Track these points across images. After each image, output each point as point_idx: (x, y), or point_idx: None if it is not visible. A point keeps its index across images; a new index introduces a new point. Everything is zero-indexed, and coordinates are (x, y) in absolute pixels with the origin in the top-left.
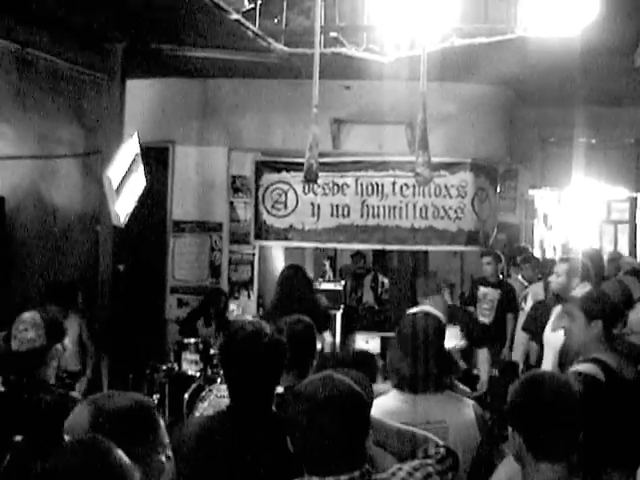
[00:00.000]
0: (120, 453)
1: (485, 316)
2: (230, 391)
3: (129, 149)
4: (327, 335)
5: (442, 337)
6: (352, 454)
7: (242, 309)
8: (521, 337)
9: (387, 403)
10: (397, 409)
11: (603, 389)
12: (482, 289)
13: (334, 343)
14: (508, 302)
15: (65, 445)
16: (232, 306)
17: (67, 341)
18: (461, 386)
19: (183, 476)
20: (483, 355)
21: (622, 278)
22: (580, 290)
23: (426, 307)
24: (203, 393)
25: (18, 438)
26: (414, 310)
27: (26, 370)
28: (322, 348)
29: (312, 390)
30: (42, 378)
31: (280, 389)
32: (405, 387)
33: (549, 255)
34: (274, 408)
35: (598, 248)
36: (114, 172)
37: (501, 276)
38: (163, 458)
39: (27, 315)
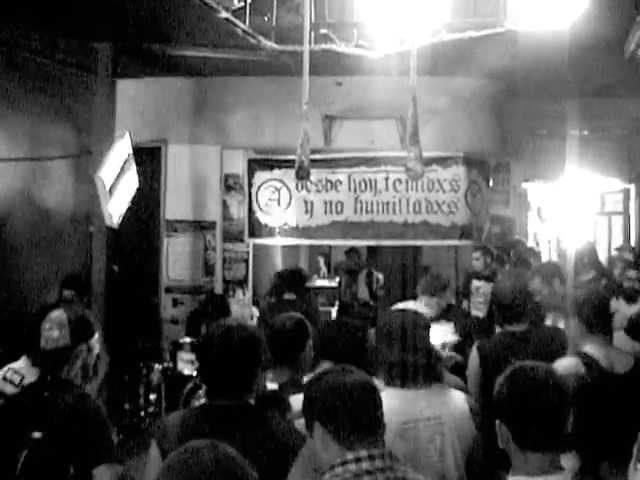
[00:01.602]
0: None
1: (479, 309)
2: (205, 385)
3: (121, 149)
4: None
5: (423, 328)
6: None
7: (241, 305)
8: None
9: (390, 400)
10: (396, 407)
11: (585, 384)
12: (475, 282)
13: None
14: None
15: (191, 445)
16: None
17: (94, 341)
18: (452, 377)
19: None
20: (474, 352)
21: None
22: (585, 277)
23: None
24: (199, 392)
25: (37, 435)
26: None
27: (50, 369)
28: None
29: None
30: (66, 377)
31: (274, 385)
32: (395, 382)
33: (544, 248)
34: (252, 402)
35: (592, 241)
36: (106, 172)
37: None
38: None
39: (55, 314)
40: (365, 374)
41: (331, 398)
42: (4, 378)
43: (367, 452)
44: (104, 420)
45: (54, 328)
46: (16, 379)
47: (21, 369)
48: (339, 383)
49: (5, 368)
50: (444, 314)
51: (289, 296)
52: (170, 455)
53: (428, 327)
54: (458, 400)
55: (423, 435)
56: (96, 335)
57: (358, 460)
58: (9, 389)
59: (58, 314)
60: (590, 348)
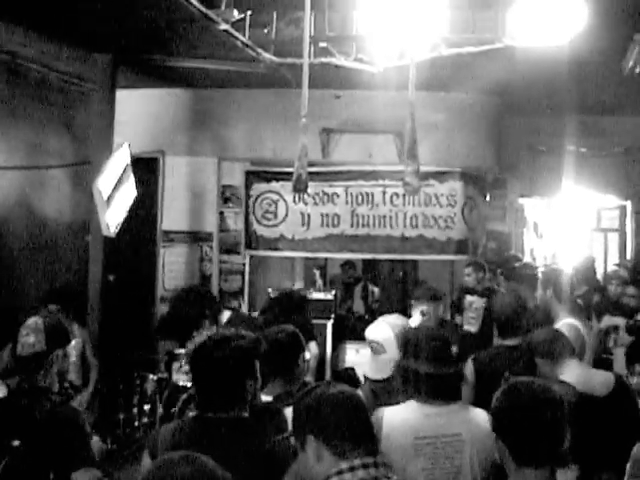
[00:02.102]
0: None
1: (471, 324)
2: (198, 397)
3: (119, 159)
4: (313, 345)
5: (449, 345)
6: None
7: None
8: None
9: (405, 416)
10: (415, 422)
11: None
12: (468, 298)
13: (321, 353)
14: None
15: (168, 458)
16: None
17: (71, 348)
18: None
19: None
20: (469, 365)
21: None
22: (578, 292)
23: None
24: (194, 403)
25: (16, 443)
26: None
27: (26, 375)
28: (308, 359)
29: None
30: (43, 384)
31: (269, 398)
32: (417, 397)
33: (540, 263)
34: (246, 414)
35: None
36: (104, 182)
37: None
38: None
39: (31, 320)
40: (349, 387)
41: (323, 409)
42: None
43: (361, 461)
44: (81, 425)
45: (30, 334)
46: None
47: None
48: (329, 395)
49: None
50: (439, 327)
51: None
52: (147, 468)
53: (451, 345)
54: (480, 419)
55: (441, 452)
56: (73, 342)
57: (352, 469)
58: None
59: (34, 320)
60: (566, 376)
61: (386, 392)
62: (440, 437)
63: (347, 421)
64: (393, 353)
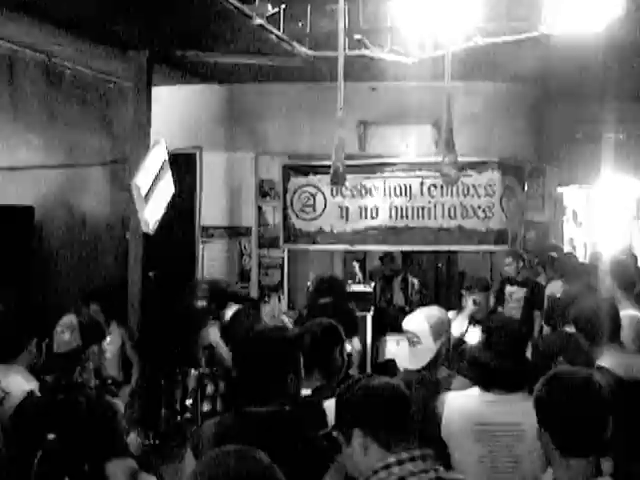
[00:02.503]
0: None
1: (512, 315)
2: (240, 390)
3: (156, 156)
4: (355, 341)
5: (522, 336)
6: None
7: (275, 312)
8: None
9: (467, 402)
10: (476, 409)
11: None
12: (509, 288)
13: (363, 349)
14: (535, 300)
15: (222, 452)
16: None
17: (106, 344)
18: None
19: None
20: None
21: None
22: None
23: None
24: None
25: (51, 436)
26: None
27: (62, 371)
28: (350, 353)
29: None
30: (79, 380)
31: (307, 391)
32: (488, 386)
33: (580, 253)
34: (287, 408)
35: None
36: (142, 179)
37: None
38: None
39: (65, 318)
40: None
41: (370, 402)
42: None
43: (408, 454)
44: (115, 418)
45: (65, 331)
46: None
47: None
48: (374, 387)
49: None
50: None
51: (324, 300)
52: (199, 461)
53: (524, 336)
54: None
55: (501, 440)
56: (108, 338)
57: (400, 462)
58: None
59: (69, 318)
60: (603, 361)
61: (418, 383)
62: (501, 425)
63: (393, 413)
64: (428, 344)
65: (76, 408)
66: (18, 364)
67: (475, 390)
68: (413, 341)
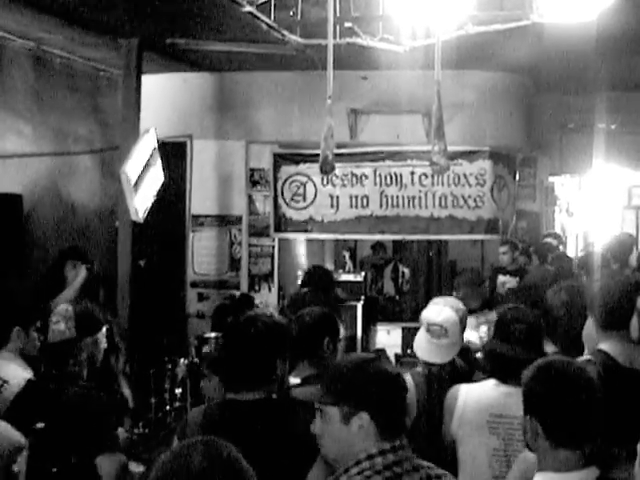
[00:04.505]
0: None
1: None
2: (227, 376)
3: (146, 144)
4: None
5: (538, 327)
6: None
7: (265, 302)
8: None
9: (483, 394)
10: (492, 400)
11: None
12: (501, 277)
13: (352, 335)
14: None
15: (186, 444)
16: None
17: (101, 335)
18: None
19: None
20: None
21: None
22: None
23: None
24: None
25: (40, 425)
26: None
27: (56, 361)
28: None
29: None
30: (72, 371)
31: (297, 380)
32: (505, 377)
33: (571, 242)
34: (274, 396)
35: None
36: (131, 167)
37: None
38: None
39: (61, 307)
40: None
41: (386, 388)
42: None
43: (390, 443)
44: (107, 411)
45: (60, 321)
46: None
47: None
48: (389, 375)
49: None
50: (484, 305)
51: (304, 290)
52: (160, 457)
53: (540, 327)
54: None
55: (516, 433)
56: (103, 329)
57: (383, 452)
58: None
59: (64, 307)
60: (605, 345)
61: (438, 378)
62: (517, 417)
63: (402, 403)
64: (455, 338)
65: (68, 399)
66: (7, 352)
67: (491, 382)
68: (438, 333)
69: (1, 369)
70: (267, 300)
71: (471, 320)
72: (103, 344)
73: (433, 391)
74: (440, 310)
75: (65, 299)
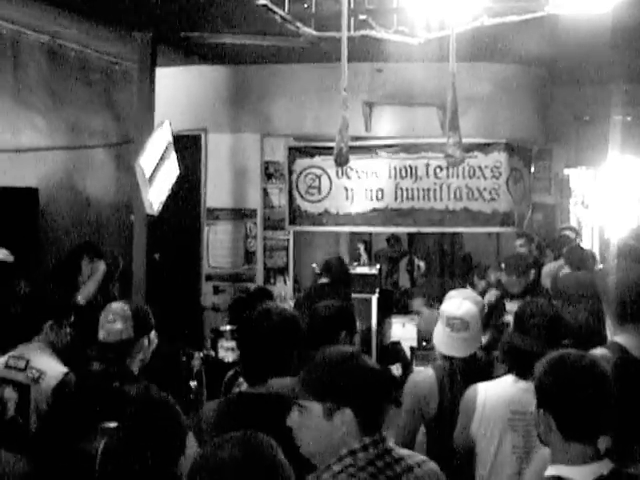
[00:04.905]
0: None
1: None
2: (244, 369)
3: (161, 137)
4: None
5: (559, 322)
6: None
7: (283, 295)
8: None
9: (503, 390)
10: (512, 396)
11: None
12: None
13: (367, 328)
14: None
15: (225, 437)
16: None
17: (153, 335)
18: None
19: None
20: None
21: None
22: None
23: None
24: (240, 380)
25: (111, 424)
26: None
27: (112, 361)
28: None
29: None
30: (130, 370)
31: None
32: (523, 373)
33: (587, 235)
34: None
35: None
36: (146, 161)
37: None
38: None
39: (116, 306)
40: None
41: (368, 383)
42: (7, 366)
43: (370, 438)
44: (176, 411)
45: (117, 320)
46: (21, 364)
47: (23, 354)
48: (371, 369)
49: (4, 357)
50: (529, 291)
51: (324, 280)
52: (199, 451)
53: (561, 321)
54: None
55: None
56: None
57: (365, 448)
58: (17, 376)
59: (120, 306)
60: (620, 338)
61: (461, 371)
62: (529, 413)
63: (382, 398)
64: (476, 331)
65: (134, 397)
66: (39, 342)
67: (509, 378)
68: (458, 327)
69: (35, 359)
70: (284, 293)
71: (511, 305)
72: (154, 344)
73: (456, 384)
74: (460, 303)
75: (88, 293)
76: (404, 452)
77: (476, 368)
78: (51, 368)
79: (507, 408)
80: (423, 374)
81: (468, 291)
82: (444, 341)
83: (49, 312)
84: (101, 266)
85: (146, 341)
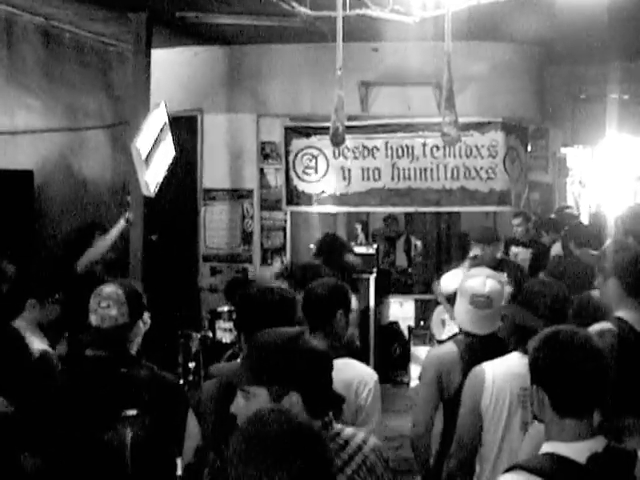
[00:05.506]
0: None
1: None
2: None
3: (157, 119)
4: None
5: (566, 302)
6: None
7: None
8: None
9: (510, 366)
10: (520, 373)
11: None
12: (513, 249)
13: (365, 307)
14: (540, 261)
15: (259, 412)
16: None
17: (146, 316)
18: None
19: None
20: None
21: None
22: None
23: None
24: (237, 360)
25: (132, 412)
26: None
27: (110, 347)
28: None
29: None
30: (130, 353)
31: None
32: (523, 348)
33: (584, 213)
34: None
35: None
36: (142, 142)
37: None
38: None
39: (109, 290)
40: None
41: (314, 366)
42: None
43: (320, 421)
44: (185, 394)
45: (112, 306)
46: None
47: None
48: (317, 351)
49: None
50: (497, 266)
51: (317, 260)
52: (240, 425)
53: (566, 298)
54: None
55: None
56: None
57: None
58: None
59: (113, 290)
60: (623, 312)
61: (484, 346)
62: None
63: (327, 380)
64: (498, 308)
65: (146, 383)
66: (22, 321)
67: (515, 355)
68: (482, 304)
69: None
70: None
71: None
72: (148, 324)
73: (478, 361)
74: (484, 281)
75: (102, 248)
76: (349, 432)
77: (496, 345)
78: (30, 345)
79: (517, 385)
80: (445, 348)
81: (486, 269)
82: (469, 318)
83: (32, 291)
84: (121, 221)
85: (141, 323)
